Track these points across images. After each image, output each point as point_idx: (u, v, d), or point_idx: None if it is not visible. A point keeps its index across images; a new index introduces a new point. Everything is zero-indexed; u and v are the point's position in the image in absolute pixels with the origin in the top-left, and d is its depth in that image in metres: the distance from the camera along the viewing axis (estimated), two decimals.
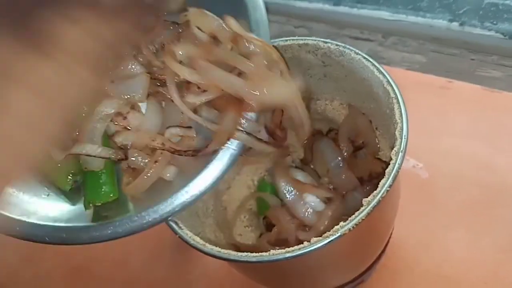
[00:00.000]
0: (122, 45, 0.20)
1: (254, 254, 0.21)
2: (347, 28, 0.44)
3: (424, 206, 0.34)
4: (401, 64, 0.42)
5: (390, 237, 0.31)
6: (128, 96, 0.22)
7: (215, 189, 0.30)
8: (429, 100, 0.39)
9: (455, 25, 0.40)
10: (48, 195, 0.24)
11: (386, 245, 0.30)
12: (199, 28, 0.22)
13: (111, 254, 0.38)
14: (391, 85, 0.24)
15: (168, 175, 0.23)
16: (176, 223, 0.23)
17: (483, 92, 0.38)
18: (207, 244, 0.22)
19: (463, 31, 0.40)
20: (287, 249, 0.21)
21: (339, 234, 0.21)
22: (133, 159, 0.22)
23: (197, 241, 0.22)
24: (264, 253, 0.21)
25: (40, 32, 0.17)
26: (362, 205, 0.21)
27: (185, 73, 0.21)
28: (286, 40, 0.28)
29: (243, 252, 0.22)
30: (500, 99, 0.37)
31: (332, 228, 0.21)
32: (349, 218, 0.21)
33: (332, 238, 0.21)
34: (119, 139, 0.23)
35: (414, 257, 0.33)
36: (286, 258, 0.21)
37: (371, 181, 0.27)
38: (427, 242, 0.33)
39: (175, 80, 0.22)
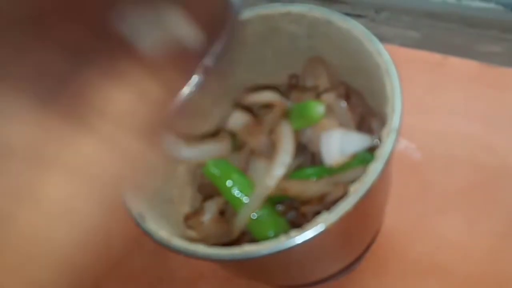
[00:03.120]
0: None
1: (225, 251, 0.18)
2: (338, 3, 0.40)
3: (417, 190, 0.30)
4: (394, 40, 0.37)
5: (382, 224, 0.27)
6: None
7: (193, 173, 0.26)
8: (423, 78, 0.35)
9: None
10: None
11: (377, 233, 0.27)
12: None
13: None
14: (381, 56, 0.20)
15: None
16: (141, 214, 0.19)
17: (481, 68, 0.34)
18: (174, 238, 0.19)
19: (460, 4, 0.36)
20: (262, 245, 0.17)
21: (323, 228, 0.17)
22: None
23: (162, 235, 0.19)
24: (236, 250, 0.18)
25: (77, 100, 0.12)
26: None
27: None
28: (267, 9, 0.23)
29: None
30: (499, 75, 0.33)
31: None
32: (334, 209, 0.17)
33: (314, 233, 0.17)
34: None
35: (406, 244, 0.29)
36: (262, 256, 0.17)
37: None
38: (420, 228, 0.29)
39: None
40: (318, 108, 0.21)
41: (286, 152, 0.21)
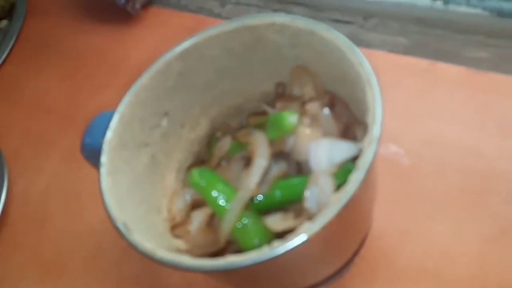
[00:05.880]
0: None
1: (209, 262, 0.18)
2: (327, 10, 0.40)
3: (406, 195, 0.30)
4: (383, 47, 0.37)
5: (369, 230, 0.27)
6: None
7: (182, 182, 0.26)
8: (411, 84, 0.35)
9: (438, 3, 0.36)
10: None
11: (365, 238, 0.27)
12: None
13: (84, 247, 0.34)
14: (363, 66, 0.20)
15: None
16: (125, 225, 0.19)
17: (469, 74, 0.34)
18: (159, 250, 0.19)
19: (447, 10, 0.36)
20: (245, 256, 0.17)
21: (306, 238, 0.17)
22: None
23: (146, 247, 0.19)
24: (220, 261, 0.18)
25: None
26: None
27: None
28: (253, 19, 0.23)
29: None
30: (487, 80, 0.33)
31: None
32: (316, 218, 0.17)
33: (297, 243, 0.17)
34: None
35: (394, 249, 0.29)
36: (245, 266, 0.17)
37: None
38: (408, 233, 0.29)
39: None
40: (291, 118, 0.21)
41: (262, 156, 0.21)
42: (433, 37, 0.36)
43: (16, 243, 0.36)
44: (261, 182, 0.22)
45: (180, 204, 0.24)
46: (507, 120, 0.32)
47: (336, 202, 0.17)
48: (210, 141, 0.27)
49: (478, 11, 0.35)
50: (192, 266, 0.18)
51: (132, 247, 0.19)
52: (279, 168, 0.22)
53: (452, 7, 0.36)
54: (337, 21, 0.39)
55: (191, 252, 0.22)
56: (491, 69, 0.33)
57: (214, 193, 0.21)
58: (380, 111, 0.19)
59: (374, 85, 0.19)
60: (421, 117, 0.33)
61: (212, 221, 0.23)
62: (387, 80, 0.22)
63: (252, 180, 0.21)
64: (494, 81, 0.33)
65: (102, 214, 0.20)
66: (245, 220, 0.21)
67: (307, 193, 0.20)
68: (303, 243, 0.17)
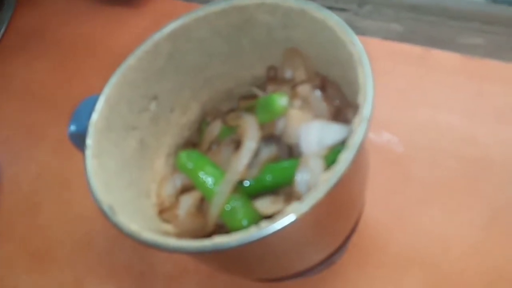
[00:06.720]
0: None
1: (195, 243, 0.17)
2: None
3: (399, 181, 0.30)
4: (377, 34, 0.37)
5: (361, 215, 0.27)
6: None
7: (172, 166, 0.26)
8: (405, 70, 0.34)
9: None
10: None
11: (357, 223, 0.26)
12: None
13: (74, 236, 0.34)
14: (354, 46, 0.19)
15: None
16: (111, 207, 0.19)
17: (463, 60, 0.33)
18: (144, 231, 0.18)
19: None
20: (232, 237, 0.17)
21: (294, 219, 0.17)
22: None
23: (132, 228, 0.18)
24: (206, 242, 0.17)
25: None
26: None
27: None
28: None
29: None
30: (481, 67, 0.33)
31: None
32: (305, 198, 0.17)
33: (285, 223, 0.17)
34: None
35: (388, 235, 0.29)
36: (232, 247, 0.17)
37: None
38: (402, 220, 0.29)
39: None
40: (281, 100, 0.21)
41: (251, 138, 0.21)
42: (428, 24, 0.36)
43: (5, 232, 0.35)
44: (251, 165, 0.21)
45: (169, 189, 0.24)
46: (501, 107, 0.31)
47: (326, 181, 0.17)
48: (201, 126, 0.27)
49: None
50: (178, 247, 0.17)
51: (118, 230, 0.19)
52: (269, 151, 0.22)
53: None
54: (331, 8, 0.39)
55: (180, 236, 0.22)
56: (486, 55, 0.33)
57: (202, 175, 0.21)
58: (371, 90, 0.18)
59: (366, 64, 0.19)
60: (415, 104, 0.33)
61: (201, 206, 0.22)
62: (381, 66, 0.21)
63: (241, 162, 0.21)
64: (489, 68, 0.33)
65: (93, 203, 0.20)
66: (234, 203, 0.20)
67: (297, 176, 0.20)
68: (292, 223, 0.17)
